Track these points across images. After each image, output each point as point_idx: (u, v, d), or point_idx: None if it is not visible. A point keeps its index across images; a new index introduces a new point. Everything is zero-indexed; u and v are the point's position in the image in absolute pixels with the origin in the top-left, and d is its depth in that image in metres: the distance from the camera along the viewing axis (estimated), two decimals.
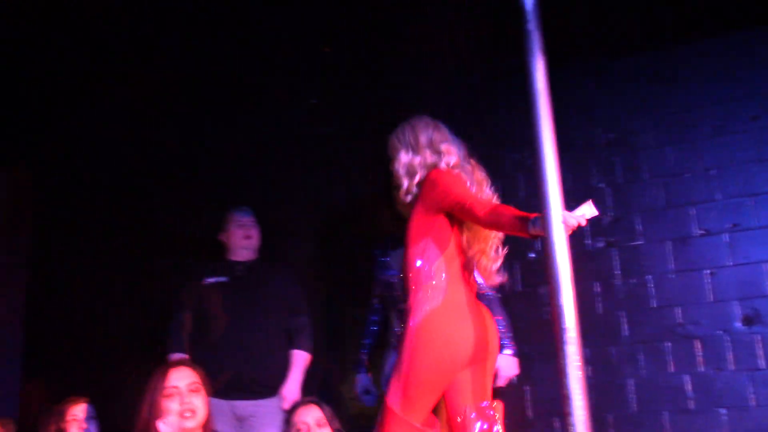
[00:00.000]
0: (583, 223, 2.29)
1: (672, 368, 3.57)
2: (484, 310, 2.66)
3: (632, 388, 3.61)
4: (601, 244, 3.81)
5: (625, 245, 3.79)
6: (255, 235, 3.92)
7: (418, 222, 2.67)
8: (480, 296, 2.82)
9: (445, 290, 2.55)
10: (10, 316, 5.58)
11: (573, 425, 1.86)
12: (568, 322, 1.91)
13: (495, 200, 2.71)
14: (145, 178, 4.67)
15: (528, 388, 3.55)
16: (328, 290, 4.08)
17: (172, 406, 2.67)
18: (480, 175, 2.78)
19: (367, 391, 3.50)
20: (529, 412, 3.46)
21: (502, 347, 3.19)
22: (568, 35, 3.58)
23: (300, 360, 3.72)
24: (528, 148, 3.65)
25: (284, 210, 4.28)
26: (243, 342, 3.63)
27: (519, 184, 3.87)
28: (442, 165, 2.70)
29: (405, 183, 2.75)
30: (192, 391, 2.71)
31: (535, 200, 3.52)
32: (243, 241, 3.88)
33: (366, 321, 3.63)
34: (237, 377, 3.54)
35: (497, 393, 2.74)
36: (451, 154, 2.75)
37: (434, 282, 2.56)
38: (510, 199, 3.67)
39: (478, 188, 2.71)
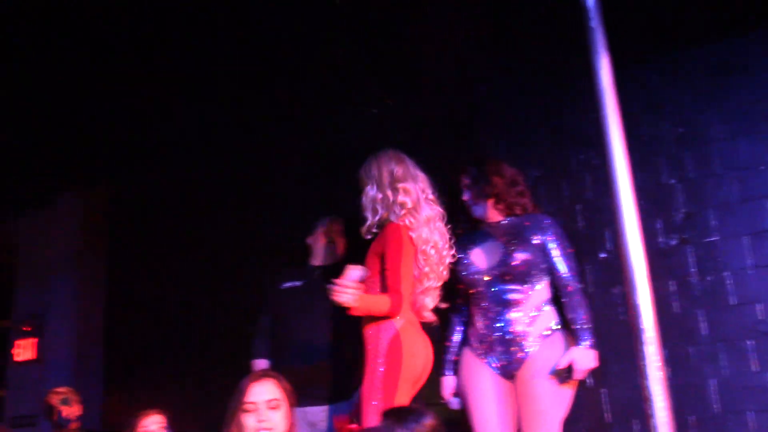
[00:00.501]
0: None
1: (755, 367, 3.46)
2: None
3: (714, 388, 3.51)
4: (674, 242, 3.72)
5: (699, 242, 3.69)
6: (340, 242, 3.93)
7: (372, 257, 3.09)
8: (562, 289, 3.20)
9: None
10: (91, 333, 5.78)
11: (655, 428, 1.83)
12: (645, 323, 1.88)
13: (447, 240, 3.17)
14: (221, 193, 4.75)
15: (605, 390, 3.49)
16: None
17: (249, 421, 2.65)
18: (436, 210, 3.18)
19: (455, 394, 3.48)
20: (607, 416, 3.39)
21: (579, 339, 3.16)
22: (631, 30, 3.52)
23: None
24: (594, 148, 3.64)
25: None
26: (314, 347, 3.64)
27: (586, 185, 3.81)
28: (395, 216, 3.08)
29: (368, 219, 3.12)
30: (272, 408, 2.68)
31: (605, 199, 3.50)
32: (325, 246, 3.90)
33: (450, 322, 3.62)
34: (308, 383, 3.51)
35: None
36: (408, 194, 3.11)
37: None
38: (578, 201, 3.66)
39: (428, 229, 3.10)
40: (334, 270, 3.80)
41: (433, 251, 3.11)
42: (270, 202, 4.54)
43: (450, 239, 3.24)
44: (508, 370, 3.28)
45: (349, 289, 2.90)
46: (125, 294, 5.07)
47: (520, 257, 3.32)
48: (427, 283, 3.13)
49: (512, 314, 3.31)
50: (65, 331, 6.44)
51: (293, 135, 4.52)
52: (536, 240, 3.35)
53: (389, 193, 3.12)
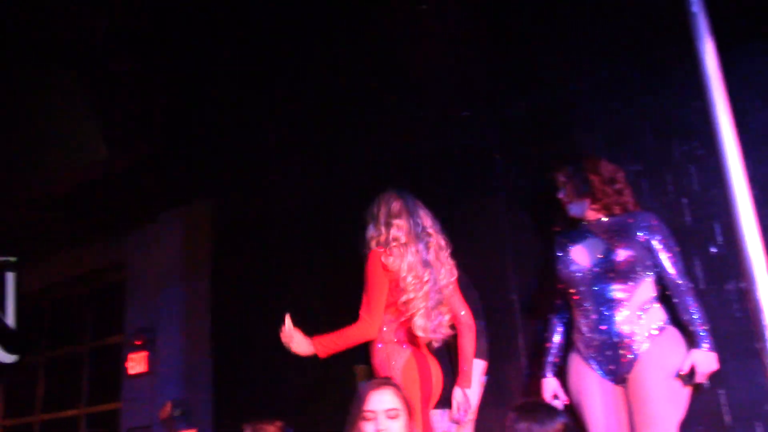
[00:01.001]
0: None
1: None
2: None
3: None
4: None
5: None
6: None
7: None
8: (673, 290, 3.20)
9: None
10: (199, 345, 5.95)
11: None
12: None
13: (453, 268, 3.46)
14: (325, 204, 4.80)
15: (723, 391, 3.32)
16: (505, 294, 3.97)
17: (367, 429, 2.69)
18: (440, 241, 3.45)
19: (555, 397, 3.41)
20: (727, 417, 3.23)
21: (698, 342, 3.04)
22: (735, 13, 3.36)
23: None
24: (698, 137, 3.48)
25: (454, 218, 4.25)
26: None
27: (691, 178, 3.64)
28: (382, 245, 3.37)
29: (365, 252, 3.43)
30: (390, 417, 2.71)
31: (712, 191, 3.34)
32: None
33: (549, 322, 3.55)
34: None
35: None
36: (401, 229, 3.39)
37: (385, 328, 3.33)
38: (684, 194, 3.51)
39: (435, 255, 3.40)
40: None
41: (413, 279, 3.31)
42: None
43: (454, 266, 3.50)
44: (618, 374, 3.18)
45: (295, 336, 3.38)
46: (231, 305, 5.19)
47: (623, 254, 3.22)
48: (412, 309, 3.29)
49: (617, 314, 3.20)
50: (174, 343, 6.67)
51: (396, 144, 4.52)
52: (641, 238, 3.24)
53: (383, 229, 3.42)
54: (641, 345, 3.13)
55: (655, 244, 3.23)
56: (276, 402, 4.26)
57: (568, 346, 3.45)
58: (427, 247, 3.40)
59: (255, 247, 5.11)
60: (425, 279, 3.33)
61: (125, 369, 7.12)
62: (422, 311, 3.31)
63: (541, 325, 3.66)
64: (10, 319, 5.97)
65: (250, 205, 5.21)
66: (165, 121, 4.67)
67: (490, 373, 3.68)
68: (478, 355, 3.54)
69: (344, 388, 4.34)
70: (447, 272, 3.44)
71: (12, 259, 6.11)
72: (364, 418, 2.71)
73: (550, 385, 3.44)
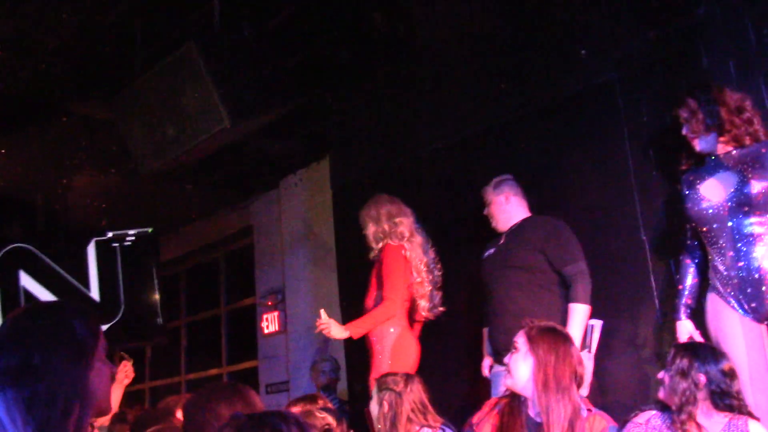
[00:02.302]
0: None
1: None
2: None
3: None
4: None
5: None
6: (490, 210, 3.94)
7: (375, 276, 4.13)
8: None
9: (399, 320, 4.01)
10: (327, 302, 6.13)
11: None
12: None
13: (434, 264, 4.17)
14: (439, 162, 4.81)
15: None
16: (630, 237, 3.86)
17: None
18: (420, 238, 4.14)
19: (691, 340, 3.29)
20: None
21: None
22: None
23: (574, 314, 3.51)
24: None
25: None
26: (505, 307, 3.65)
27: None
28: (394, 240, 4.07)
29: (373, 247, 4.17)
30: (512, 353, 2.79)
31: None
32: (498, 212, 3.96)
33: (680, 263, 3.43)
34: (506, 343, 3.50)
35: None
36: (404, 225, 4.11)
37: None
38: None
39: (421, 250, 4.10)
40: (516, 229, 3.76)
41: (423, 267, 4.09)
42: (495, 161, 4.50)
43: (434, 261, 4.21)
44: (761, 312, 3.03)
45: (331, 324, 3.86)
46: (355, 261, 5.29)
47: (759, 185, 3.05)
48: (420, 291, 4.08)
49: (756, 249, 3.04)
50: (304, 302, 6.91)
51: (516, 89, 4.45)
52: None
53: (386, 226, 4.09)
54: None
55: None
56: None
57: (702, 286, 3.32)
58: (425, 240, 4.17)
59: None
60: (429, 266, 4.12)
61: (260, 329, 7.45)
62: (427, 294, 4.10)
63: (674, 266, 3.54)
64: (94, 293, 6.32)
65: (367, 163, 5.28)
66: (283, 87, 4.76)
67: (621, 317, 3.60)
68: (579, 299, 3.51)
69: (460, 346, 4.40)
70: (435, 260, 4.19)
71: (149, 230, 6.48)
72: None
73: (685, 328, 3.33)
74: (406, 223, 4.10)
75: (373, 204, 4.20)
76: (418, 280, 4.06)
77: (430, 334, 4.30)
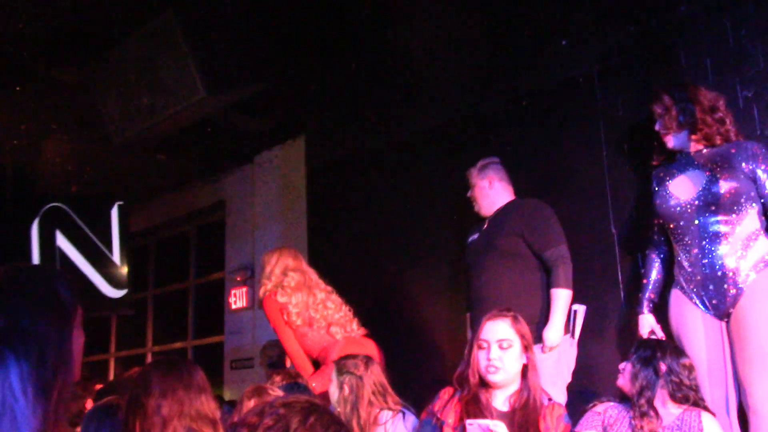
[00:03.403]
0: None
1: None
2: None
3: None
4: None
5: None
6: (473, 194, 3.90)
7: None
8: None
9: None
10: None
11: None
12: None
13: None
14: (418, 141, 4.81)
15: None
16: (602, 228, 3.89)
17: (480, 358, 2.80)
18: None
19: (652, 333, 3.34)
20: None
21: None
22: None
23: (556, 299, 3.51)
24: None
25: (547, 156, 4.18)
26: (488, 293, 3.64)
27: None
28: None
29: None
30: (502, 348, 2.78)
31: None
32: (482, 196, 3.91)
33: (646, 258, 3.47)
34: None
35: None
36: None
37: None
38: None
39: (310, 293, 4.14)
40: (499, 214, 3.77)
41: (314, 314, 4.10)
42: (469, 147, 4.51)
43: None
44: (721, 309, 3.08)
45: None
46: (327, 241, 5.30)
47: (726, 185, 3.08)
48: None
49: (720, 248, 3.08)
50: None
51: (493, 76, 4.45)
52: (745, 168, 3.09)
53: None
54: (746, 279, 3.02)
55: (760, 174, 3.08)
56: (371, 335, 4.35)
57: (667, 281, 3.37)
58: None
59: (348, 184, 5.18)
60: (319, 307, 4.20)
61: (228, 304, 7.43)
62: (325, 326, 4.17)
63: (641, 260, 3.59)
64: (116, 257, 6.29)
65: (343, 143, 5.27)
66: (261, 62, 4.73)
67: (589, 306, 3.63)
68: (561, 284, 3.52)
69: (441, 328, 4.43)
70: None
71: (120, 203, 6.42)
72: (479, 347, 2.79)
73: (646, 321, 3.37)
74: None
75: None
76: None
77: (404, 320, 4.34)
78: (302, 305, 4.07)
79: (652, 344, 2.90)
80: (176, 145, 6.75)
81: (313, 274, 4.24)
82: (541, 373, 2.97)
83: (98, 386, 4.30)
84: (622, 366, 2.89)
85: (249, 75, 4.71)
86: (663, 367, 2.76)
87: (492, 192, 3.85)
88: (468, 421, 2.61)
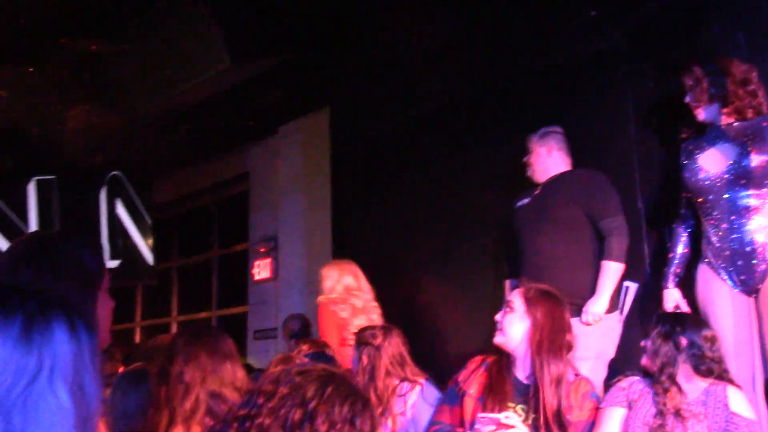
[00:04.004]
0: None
1: None
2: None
3: None
4: None
5: None
6: (530, 159, 3.83)
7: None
8: None
9: None
10: (320, 251, 6.14)
11: None
12: None
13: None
14: (440, 107, 4.77)
15: None
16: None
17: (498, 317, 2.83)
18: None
19: (677, 308, 3.30)
20: None
21: None
22: None
23: (606, 271, 3.43)
24: None
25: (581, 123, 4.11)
26: (537, 260, 3.59)
27: None
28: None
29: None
30: (505, 311, 2.81)
31: None
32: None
33: (673, 232, 3.43)
34: None
35: None
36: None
37: None
38: None
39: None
40: (555, 181, 3.71)
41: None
42: (498, 121, 4.46)
43: None
44: (750, 285, 3.04)
45: None
46: (350, 212, 5.30)
47: (757, 159, 3.02)
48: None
49: (750, 223, 3.03)
50: (297, 250, 6.92)
51: (520, 50, 4.38)
52: None
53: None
54: None
55: None
56: (393, 306, 4.36)
57: (694, 256, 3.33)
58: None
59: (373, 155, 5.16)
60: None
61: (251, 275, 7.47)
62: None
63: (667, 234, 3.54)
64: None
65: (368, 115, 5.24)
66: (285, 32, 4.70)
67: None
68: (613, 256, 3.45)
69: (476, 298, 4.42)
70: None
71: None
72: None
73: (671, 296, 3.34)
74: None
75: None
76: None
77: (433, 290, 4.33)
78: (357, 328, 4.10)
79: (670, 318, 2.84)
80: (200, 117, 6.75)
81: (368, 293, 4.37)
82: (584, 345, 2.95)
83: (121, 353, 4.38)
84: (643, 344, 2.85)
85: (274, 45, 4.69)
86: (683, 341, 2.70)
87: (549, 160, 3.78)
88: (479, 415, 2.60)
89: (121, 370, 3.88)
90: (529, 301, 2.76)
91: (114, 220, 5.99)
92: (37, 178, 5.81)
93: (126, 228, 6.13)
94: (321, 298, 4.36)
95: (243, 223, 7.87)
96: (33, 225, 5.95)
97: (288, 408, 1.23)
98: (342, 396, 1.26)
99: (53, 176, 5.82)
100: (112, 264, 6.16)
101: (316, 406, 1.23)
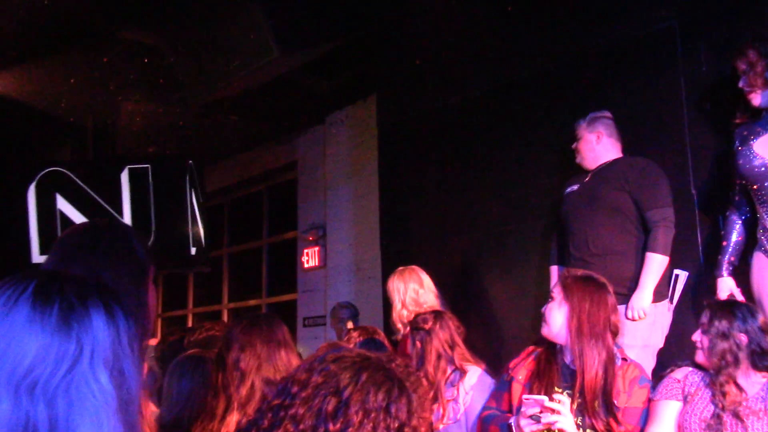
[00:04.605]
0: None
1: None
2: None
3: None
4: None
5: None
6: (578, 146, 3.76)
7: None
8: None
9: None
10: (368, 239, 6.16)
11: None
12: None
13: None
14: (492, 97, 4.74)
15: None
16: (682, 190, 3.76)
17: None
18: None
19: (731, 296, 3.24)
20: None
21: None
22: None
23: (650, 263, 3.37)
24: None
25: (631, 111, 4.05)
26: (585, 248, 3.56)
27: None
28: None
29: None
30: (549, 301, 2.80)
31: None
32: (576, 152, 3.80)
33: (726, 219, 3.36)
34: None
35: None
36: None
37: None
38: None
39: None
40: (606, 168, 3.66)
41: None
42: (546, 105, 4.42)
43: None
44: None
45: None
46: (398, 201, 5.31)
47: None
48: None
49: None
50: (345, 239, 6.97)
51: (572, 31, 4.32)
52: None
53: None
54: None
55: None
56: (443, 293, 4.36)
57: (748, 244, 3.25)
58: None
59: (420, 143, 5.16)
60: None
61: (300, 263, 7.55)
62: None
63: (721, 221, 3.47)
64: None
65: (414, 102, 5.23)
66: (332, 21, 4.72)
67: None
68: (658, 248, 3.38)
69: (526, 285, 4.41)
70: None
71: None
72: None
73: (726, 285, 3.28)
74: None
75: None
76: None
77: (481, 277, 4.32)
78: None
79: (726, 312, 2.73)
80: (249, 106, 6.83)
81: (432, 290, 4.21)
82: (631, 334, 2.90)
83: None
84: (696, 338, 2.75)
85: (320, 34, 4.71)
86: (744, 339, 2.62)
87: (599, 146, 3.71)
88: (524, 397, 2.60)
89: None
90: (567, 288, 2.74)
91: (193, 209, 6.11)
92: (130, 166, 5.92)
93: (198, 216, 6.25)
94: (400, 332, 4.10)
95: (292, 211, 7.95)
96: (127, 215, 6.11)
97: (321, 397, 1.21)
98: (377, 383, 1.22)
99: (146, 165, 5.93)
100: (192, 251, 6.30)
101: (351, 395, 1.20)
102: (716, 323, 2.65)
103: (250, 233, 8.85)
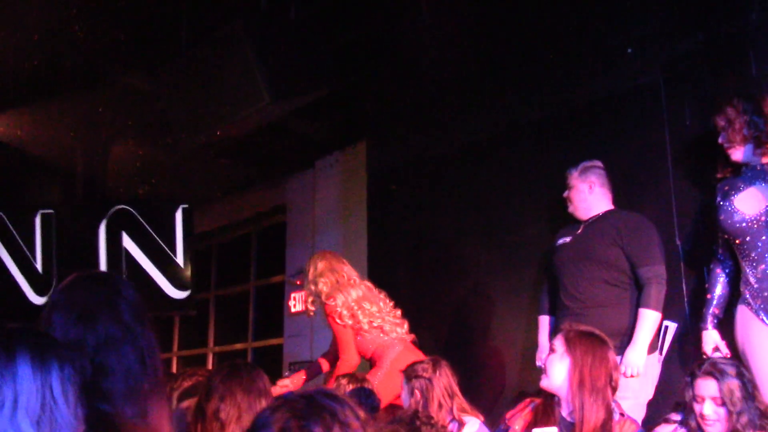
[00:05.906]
0: None
1: None
2: None
3: None
4: None
5: None
6: (570, 195, 3.77)
7: None
8: None
9: None
10: None
11: None
12: None
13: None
14: (481, 147, 4.80)
15: None
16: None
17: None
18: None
19: (716, 350, 3.27)
20: None
21: None
22: None
23: (643, 319, 3.39)
24: None
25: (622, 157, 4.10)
26: (576, 300, 3.58)
27: None
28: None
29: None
30: (549, 354, 2.81)
31: None
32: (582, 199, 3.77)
33: (710, 273, 3.39)
34: None
35: None
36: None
37: None
38: None
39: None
40: (599, 221, 3.69)
41: (359, 313, 4.18)
42: (534, 156, 4.47)
43: None
44: None
45: None
46: (387, 246, 5.33)
47: None
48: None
49: None
50: None
51: (557, 84, 4.40)
52: None
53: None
54: None
55: None
56: (430, 341, 4.36)
57: (732, 296, 3.29)
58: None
59: (409, 190, 5.20)
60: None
61: (287, 307, 7.51)
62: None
63: (706, 274, 3.50)
64: (180, 259, 6.45)
65: (403, 149, 5.29)
66: (323, 68, 4.79)
67: None
68: (651, 305, 3.41)
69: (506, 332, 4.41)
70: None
71: (185, 205, 6.59)
72: None
73: (710, 338, 3.31)
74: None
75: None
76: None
77: (469, 325, 4.32)
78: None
79: (720, 384, 2.71)
80: (239, 150, 6.87)
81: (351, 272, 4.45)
82: (623, 386, 2.91)
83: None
84: (689, 400, 2.77)
85: (311, 81, 4.77)
86: (744, 419, 2.65)
87: (591, 197, 3.71)
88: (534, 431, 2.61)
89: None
90: (569, 341, 2.75)
91: (117, 253, 6.18)
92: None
93: (136, 261, 6.30)
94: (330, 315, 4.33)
95: (280, 254, 7.93)
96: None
97: None
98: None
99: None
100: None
101: None
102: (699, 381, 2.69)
103: (237, 276, 8.82)
